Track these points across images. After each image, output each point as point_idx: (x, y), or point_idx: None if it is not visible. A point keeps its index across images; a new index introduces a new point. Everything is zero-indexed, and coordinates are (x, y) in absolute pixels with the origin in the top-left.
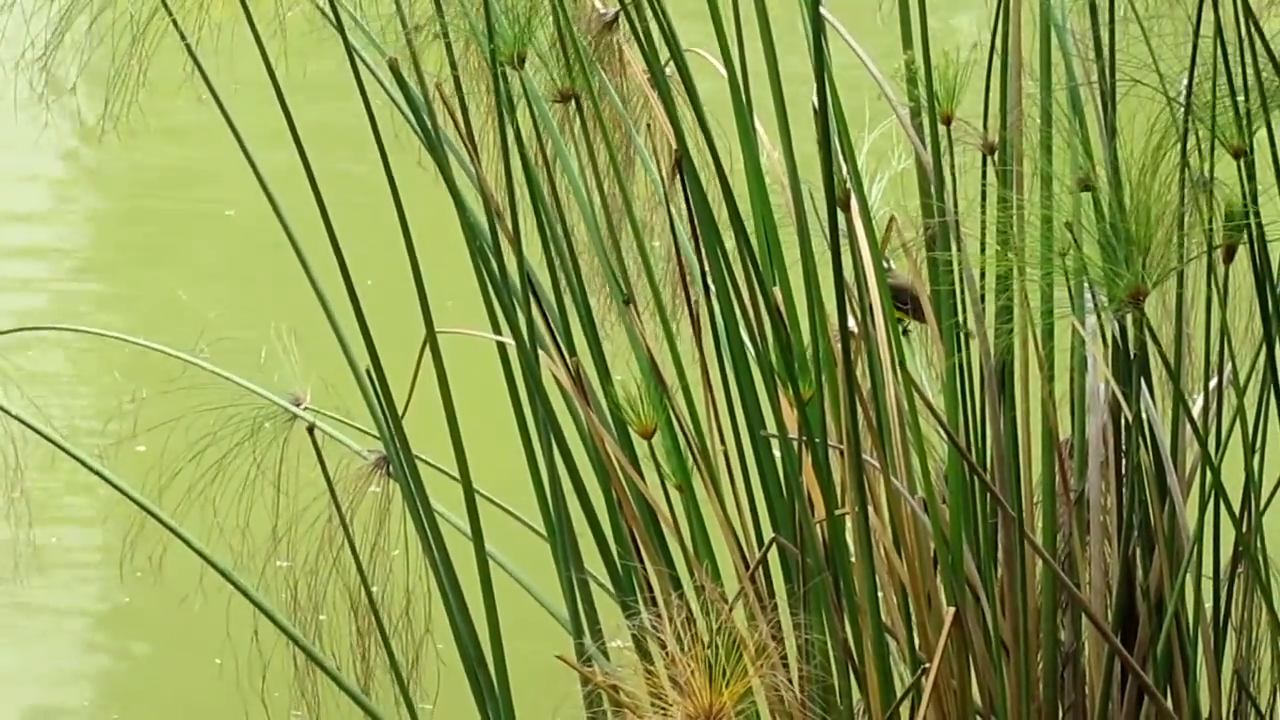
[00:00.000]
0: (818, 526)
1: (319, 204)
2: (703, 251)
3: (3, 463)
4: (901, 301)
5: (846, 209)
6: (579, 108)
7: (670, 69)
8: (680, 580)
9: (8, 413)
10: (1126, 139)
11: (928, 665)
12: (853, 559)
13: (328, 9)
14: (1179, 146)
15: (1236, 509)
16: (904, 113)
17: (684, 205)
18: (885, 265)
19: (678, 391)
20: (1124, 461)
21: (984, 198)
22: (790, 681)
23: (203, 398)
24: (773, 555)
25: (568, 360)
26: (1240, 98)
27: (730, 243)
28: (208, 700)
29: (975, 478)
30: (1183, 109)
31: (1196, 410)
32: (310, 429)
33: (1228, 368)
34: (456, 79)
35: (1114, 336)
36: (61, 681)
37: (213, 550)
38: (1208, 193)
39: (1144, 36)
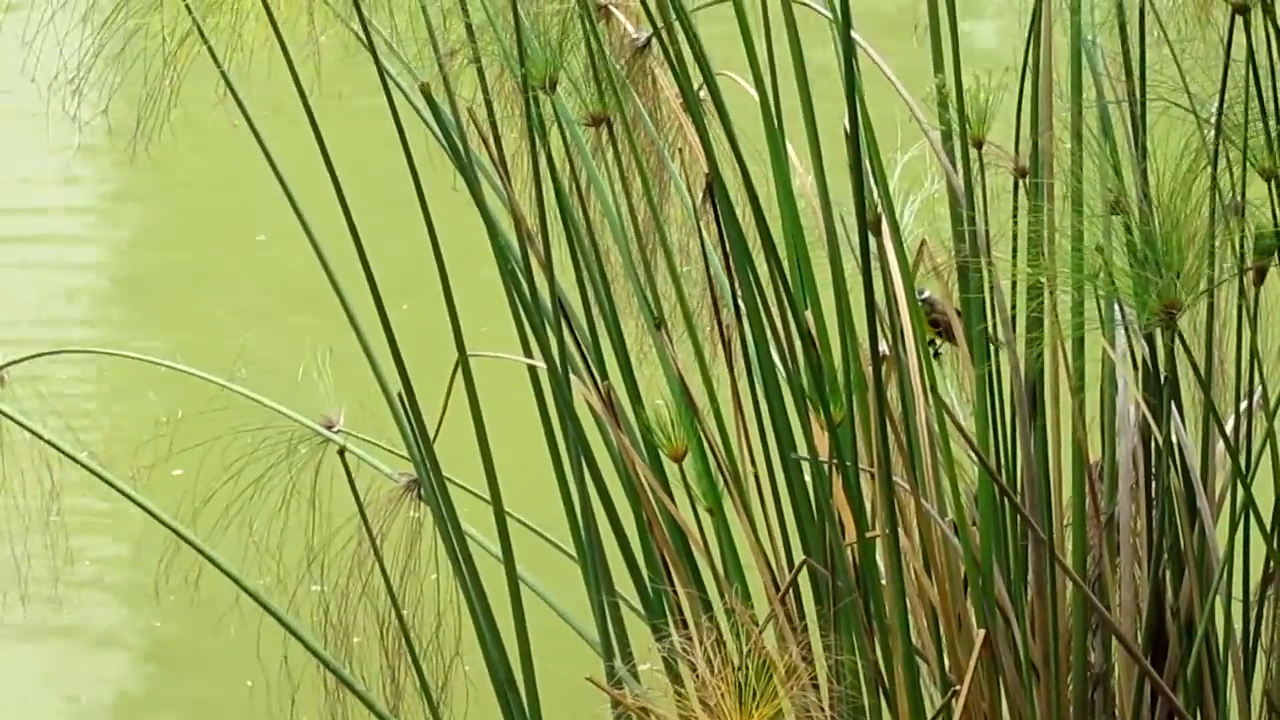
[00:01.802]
0: (848, 549)
1: (351, 229)
2: (734, 274)
3: (39, 487)
4: (935, 325)
5: (878, 232)
6: (611, 131)
7: (702, 92)
8: (711, 602)
9: (42, 438)
10: (1157, 161)
11: (958, 687)
12: (883, 581)
13: (362, 35)
14: (1210, 169)
15: (1267, 531)
16: (935, 136)
17: (716, 228)
18: (920, 293)
19: (709, 414)
20: (1154, 484)
21: (1015, 219)
22: (821, 703)
23: (237, 421)
24: (803, 577)
25: (599, 383)
26: (1271, 120)
27: (762, 266)
28: None
29: (1006, 500)
30: (1213, 131)
31: (1227, 431)
32: (341, 452)
33: (1258, 391)
34: (489, 103)
35: (1144, 359)
36: (94, 704)
37: (246, 573)
38: (1238, 215)
39: (1175, 59)
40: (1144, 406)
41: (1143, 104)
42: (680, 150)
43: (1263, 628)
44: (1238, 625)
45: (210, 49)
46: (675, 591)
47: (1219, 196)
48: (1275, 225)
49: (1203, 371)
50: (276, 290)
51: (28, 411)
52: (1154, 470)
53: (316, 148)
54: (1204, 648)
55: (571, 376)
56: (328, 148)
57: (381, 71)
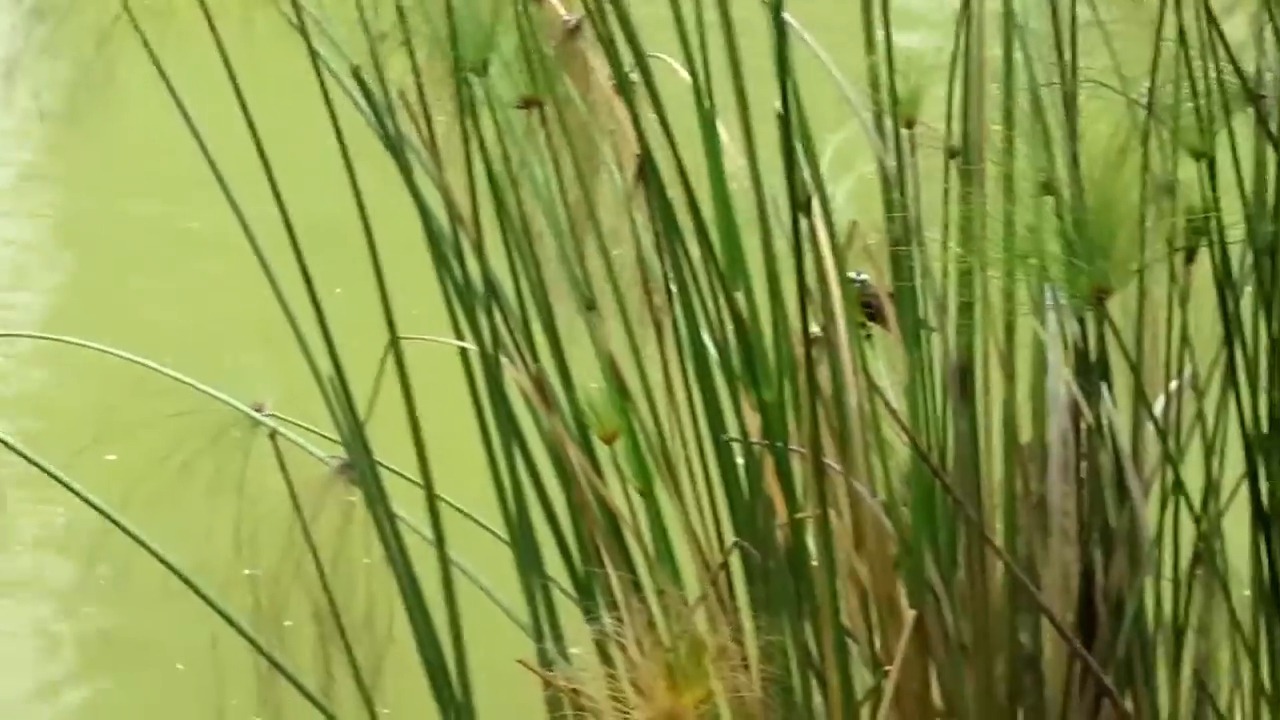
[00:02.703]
0: (779, 530)
1: (281, 211)
2: (665, 256)
3: None
4: (868, 307)
5: (809, 213)
6: (543, 114)
7: (634, 74)
8: (642, 584)
9: None
10: (1088, 143)
11: (888, 668)
12: (814, 562)
13: (293, 16)
14: (1141, 149)
15: (1196, 511)
16: (866, 116)
17: (647, 210)
18: (856, 275)
19: (640, 396)
20: (1084, 465)
21: (946, 201)
22: (751, 684)
23: (168, 405)
24: (734, 559)
25: (530, 366)
26: (1203, 100)
27: (693, 247)
28: (169, 706)
29: (937, 481)
30: (1145, 112)
31: (1157, 412)
32: (272, 435)
33: (1188, 370)
34: (420, 86)
35: (1074, 340)
36: (24, 687)
37: (176, 557)
38: (1170, 195)
39: (1106, 40)
40: (1074, 387)
41: (1074, 85)
42: (611, 132)
43: (1192, 608)
44: (1168, 606)
45: (141, 32)
46: (606, 573)
47: (1150, 178)
48: (1206, 206)
49: (1133, 353)
50: (206, 274)
51: None
52: (1084, 451)
53: (247, 131)
54: (1134, 628)
55: (502, 359)
56: (258, 131)
57: (312, 54)
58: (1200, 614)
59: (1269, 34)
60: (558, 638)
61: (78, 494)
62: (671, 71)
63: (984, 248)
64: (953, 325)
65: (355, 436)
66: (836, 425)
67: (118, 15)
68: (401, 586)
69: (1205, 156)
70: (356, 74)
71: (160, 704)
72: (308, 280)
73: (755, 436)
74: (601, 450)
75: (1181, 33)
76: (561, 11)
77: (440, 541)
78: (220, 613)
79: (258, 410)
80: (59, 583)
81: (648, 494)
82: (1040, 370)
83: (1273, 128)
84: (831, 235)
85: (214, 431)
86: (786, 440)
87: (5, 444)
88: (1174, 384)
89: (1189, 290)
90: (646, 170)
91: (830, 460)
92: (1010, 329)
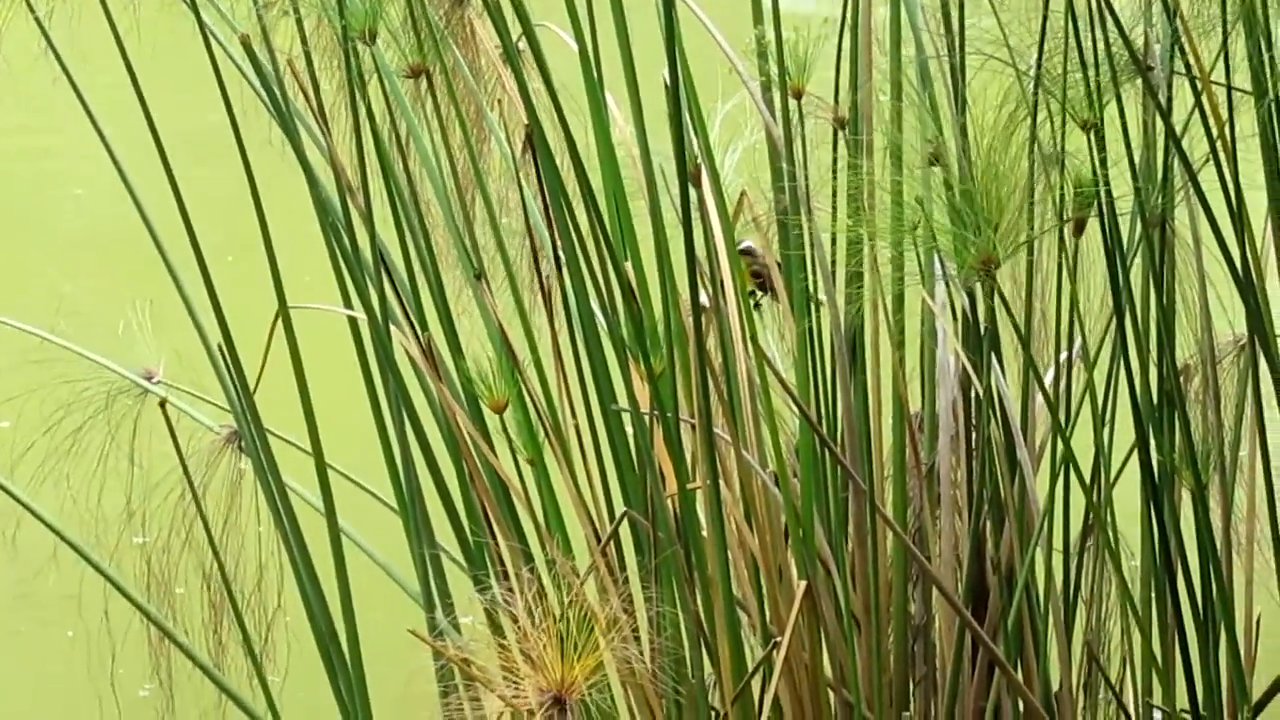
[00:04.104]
0: (669, 500)
1: (170, 180)
2: (554, 225)
3: None
4: (757, 276)
5: (698, 183)
6: (431, 83)
7: (522, 44)
8: (532, 554)
9: None
10: (976, 114)
11: (779, 638)
12: (704, 532)
13: None
14: (1029, 120)
15: (1086, 482)
16: (755, 86)
17: (535, 180)
18: (741, 244)
19: (529, 365)
20: (974, 435)
21: (835, 171)
22: (642, 655)
23: (59, 373)
24: (624, 529)
25: (419, 335)
26: (1090, 71)
27: (582, 217)
28: (60, 674)
29: (827, 451)
30: (1033, 83)
31: (1047, 383)
32: (162, 404)
33: (1078, 341)
34: (308, 55)
35: (964, 310)
36: None
37: (66, 525)
38: (1058, 166)
39: (994, 10)
40: (964, 358)
41: (962, 56)
42: (500, 101)
43: (1083, 579)
44: (1058, 576)
45: (29, 2)
46: (497, 543)
47: (1039, 148)
48: (1094, 177)
49: (1022, 323)
50: (97, 243)
51: None
52: (974, 421)
53: (135, 100)
54: (1025, 598)
55: (392, 328)
56: (147, 100)
57: (200, 23)
58: (1091, 584)
59: (1156, 5)
60: (448, 607)
61: None
62: (559, 41)
63: (872, 218)
64: (841, 295)
65: (244, 405)
66: (726, 396)
67: None
68: (291, 555)
69: (1094, 127)
70: (245, 43)
71: (50, 672)
72: (197, 248)
73: (644, 407)
74: (491, 419)
75: (1069, 3)
76: None
77: (330, 510)
78: (110, 580)
79: (148, 378)
80: None
81: (538, 463)
82: (930, 340)
83: (1161, 99)
84: (720, 205)
85: (104, 399)
86: (676, 410)
87: None
88: (1064, 355)
89: (1078, 261)
90: (535, 140)
91: (720, 430)
92: (899, 299)
